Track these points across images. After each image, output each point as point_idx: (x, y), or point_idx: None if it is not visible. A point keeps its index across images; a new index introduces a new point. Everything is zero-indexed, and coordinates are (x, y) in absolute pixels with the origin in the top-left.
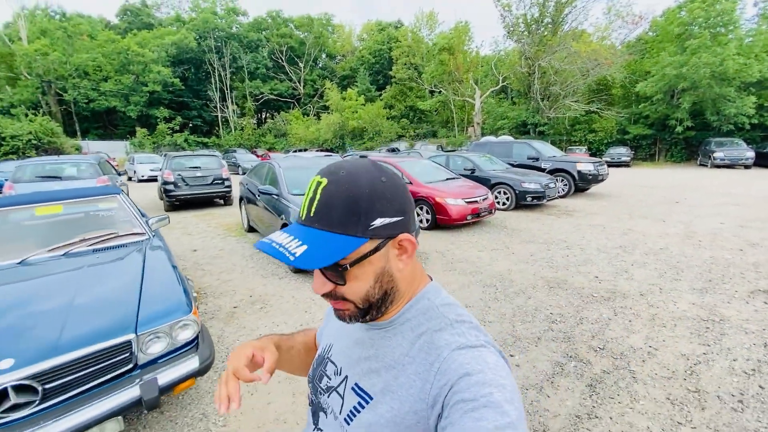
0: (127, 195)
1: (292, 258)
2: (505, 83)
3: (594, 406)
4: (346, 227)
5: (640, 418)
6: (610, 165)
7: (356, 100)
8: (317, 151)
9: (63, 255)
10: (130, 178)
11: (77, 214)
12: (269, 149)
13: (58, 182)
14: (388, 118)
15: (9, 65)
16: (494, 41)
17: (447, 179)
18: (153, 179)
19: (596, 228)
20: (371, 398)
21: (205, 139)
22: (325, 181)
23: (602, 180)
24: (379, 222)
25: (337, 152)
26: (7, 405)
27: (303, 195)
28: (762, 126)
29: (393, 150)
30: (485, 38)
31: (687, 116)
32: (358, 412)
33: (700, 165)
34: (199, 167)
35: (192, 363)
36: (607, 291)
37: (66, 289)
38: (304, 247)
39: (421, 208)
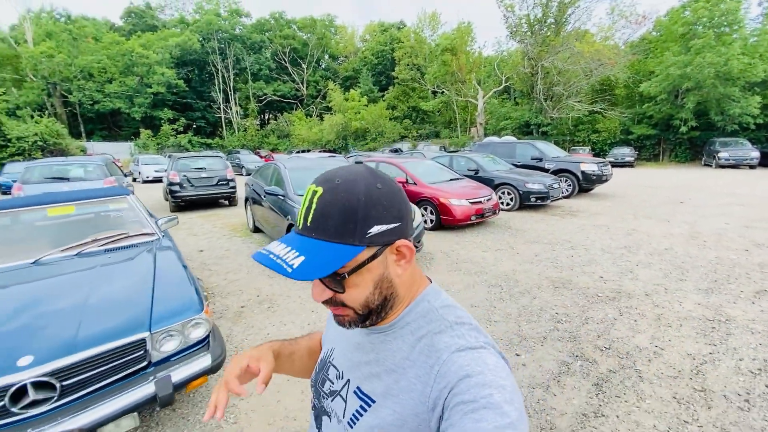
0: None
1: (289, 270)
2: (507, 84)
3: (600, 405)
4: (343, 236)
5: (646, 416)
6: (614, 165)
7: (359, 101)
8: (320, 151)
9: (76, 255)
10: (134, 179)
11: (88, 214)
12: (272, 150)
13: (66, 183)
14: (390, 119)
15: (15, 67)
16: (497, 42)
17: (451, 180)
18: (157, 180)
19: (600, 228)
20: (373, 402)
21: (209, 140)
22: (320, 190)
23: (606, 180)
24: (376, 230)
25: (340, 153)
26: (26, 401)
27: None
28: (767, 126)
29: (396, 151)
30: (488, 39)
31: (691, 116)
32: (361, 415)
33: (705, 165)
34: (204, 168)
35: (204, 361)
36: (612, 291)
37: (80, 289)
38: (302, 258)
39: (426, 209)
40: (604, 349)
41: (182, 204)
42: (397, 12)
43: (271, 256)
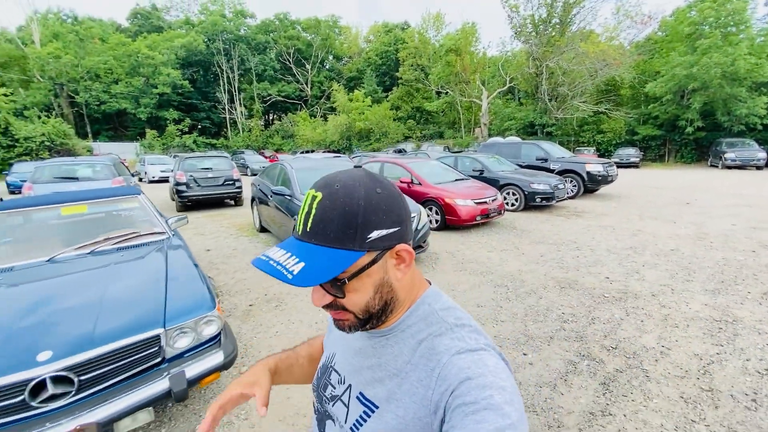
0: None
1: (290, 276)
2: (512, 84)
3: (608, 404)
4: (343, 242)
5: (653, 415)
6: (619, 166)
7: (363, 102)
8: (324, 152)
9: (89, 253)
10: (141, 179)
11: (100, 214)
12: (277, 150)
13: (74, 183)
14: (394, 120)
15: (22, 68)
16: (501, 42)
17: (456, 180)
18: (163, 180)
19: (606, 229)
20: (377, 407)
21: (214, 141)
22: (320, 195)
23: (612, 181)
24: (375, 234)
25: (344, 153)
26: (45, 395)
27: None
28: None
29: (400, 151)
30: (492, 39)
31: (697, 117)
32: (365, 421)
33: (711, 166)
34: (211, 168)
35: (217, 357)
36: (619, 291)
37: (95, 286)
38: (302, 264)
39: (431, 209)
40: (610, 348)
41: (189, 204)
42: (401, 13)
43: (271, 262)
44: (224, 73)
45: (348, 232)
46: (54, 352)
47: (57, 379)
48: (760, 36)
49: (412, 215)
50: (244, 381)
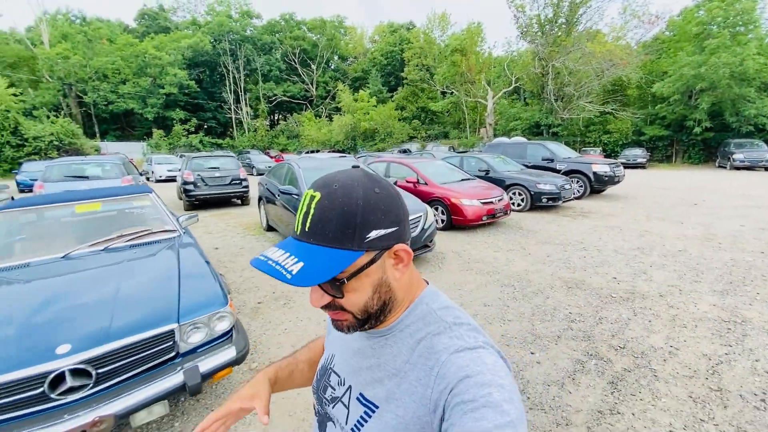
0: None
1: (289, 276)
2: (517, 84)
3: (616, 403)
4: (342, 241)
5: (662, 414)
6: (626, 166)
7: (368, 102)
8: (329, 152)
9: (102, 250)
10: (148, 179)
11: (113, 211)
12: (282, 150)
13: (84, 182)
14: (399, 120)
15: (31, 68)
16: (507, 42)
17: (462, 180)
18: (170, 179)
19: (613, 229)
20: (377, 407)
21: (220, 141)
22: (318, 195)
23: (618, 182)
24: (374, 234)
25: (349, 153)
26: (63, 388)
27: None
28: None
29: (404, 151)
30: (498, 39)
31: (705, 117)
32: (365, 422)
33: (719, 167)
34: (218, 168)
35: (229, 352)
36: (626, 292)
37: (110, 282)
38: (301, 264)
39: (437, 209)
40: (618, 348)
41: (196, 203)
42: (403, 13)
43: (270, 262)
44: (230, 73)
45: (346, 231)
46: (72, 346)
47: (75, 372)
48: None
49: (419, 214)
50: (243, 395)
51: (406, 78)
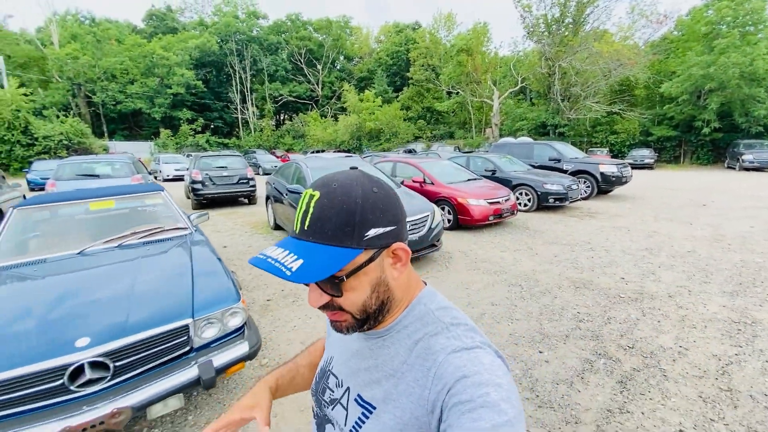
0: None
1: (288, 273)
2: (524, 84)
3: (625, 402)
4: (341, 239)
5: (672, 414)
6: (633, 167)
7: (373, 102)
8: (335, 152)
9: (116, 247)
10: (156, 177)
11: (125, 209)
12: (287, 150)
13: (95, 180)
14: (404, 120)
15: (41, 68)
16: (513, 42)
17: (468, 180)
18: (177, 179)
19: (620, 230)
20: (374, 408)
21: (226, 140)
22: (317, 194)
23: (626, 182)
24: (373, 232)
25: (355, 153)
26: (82, 380)
27: None
28: None
29: (410, 151)
30: (504, 39)
31: (714, 117)
32: (363, 423)
33: (728, 168)
34: (226, 167)
35: (242, 348)
36: (634, 292)
37: (125, 278)
38: (300, 261)
39: (443, 209)
40: (627, 348)
41: (204, 202)
42: (408, 13)
43: (269, 259)
44: (237, 73)
45: (346, 229)
46: (91, 339)
47: (94, 365)
48: None
49: (426, 214)
50: (243, 405)
51: (411, 78)
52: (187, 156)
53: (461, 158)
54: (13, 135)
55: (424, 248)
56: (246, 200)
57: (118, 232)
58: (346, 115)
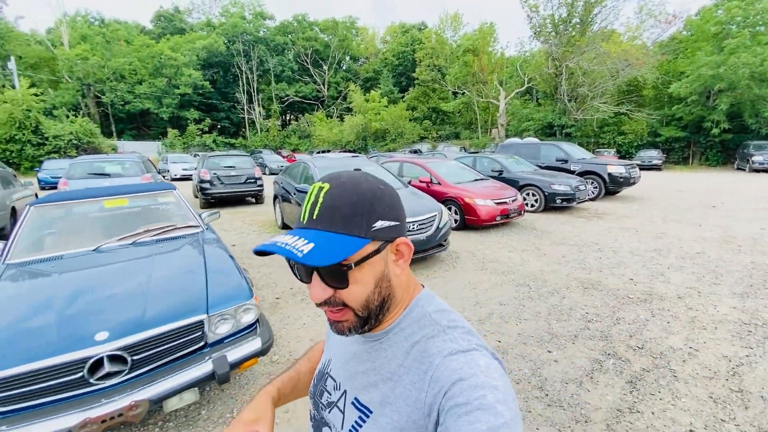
0: None
1: (300, 255)
2: (530, 84)
3: (635, 402)
4: (350, 228)
5: (682, 414)
6: (641, 168)
7: (379, 102)
8: (340, 152)
9: (131, 244)
10: (164, 177)
11: (138, 207)
12: (293, 150)
13: (106, 179)
14: (410, 120)
15: (51, 69)
16: (520, 42)
17: (475, 180)
18: (185, 178)
19: (628, 231)
20: (371, 412)
21: (233, 140)
22: (327, 185)
23: (634, 183)
24: (380, 224)
25: (361, 153)
26: (101, 373)
27: None
28: None
29: (415, 151)
30: (510, 39)
31: (723, 118)
32: (360, 426)
33: (738, 169)
34: (234, 167)
35: (255, 343)
36: (643, 293)
37: (140, 274)
38: (311, 245)
39: (450, 209)
40: (636, 348)
41: (212, 201)
42: (414, 13)
43: (279, 243)
44: (243, 74)
45: (355, 219)
46: (110, 333)
47: (112, 358)
48: None
49: (433, 213)
50: (245, 419)
51: (417, 78)
52: (195, 156)
53: (468, 158)
54: (23, 134)
55: (431, 248)
56: (253, 200)
57: (132, 230)
58: (351, 115)
